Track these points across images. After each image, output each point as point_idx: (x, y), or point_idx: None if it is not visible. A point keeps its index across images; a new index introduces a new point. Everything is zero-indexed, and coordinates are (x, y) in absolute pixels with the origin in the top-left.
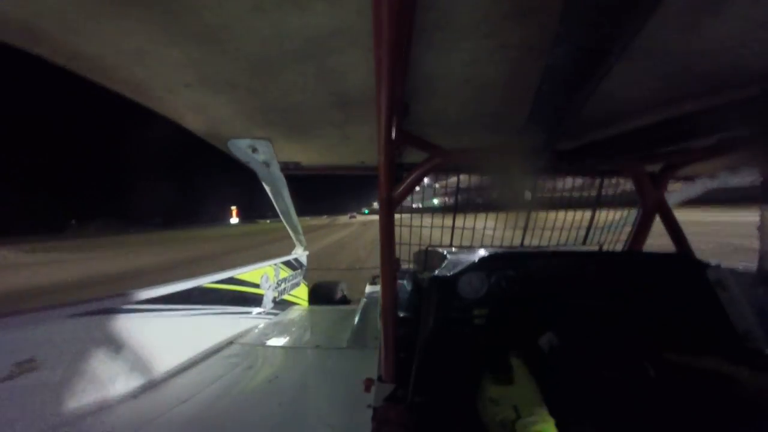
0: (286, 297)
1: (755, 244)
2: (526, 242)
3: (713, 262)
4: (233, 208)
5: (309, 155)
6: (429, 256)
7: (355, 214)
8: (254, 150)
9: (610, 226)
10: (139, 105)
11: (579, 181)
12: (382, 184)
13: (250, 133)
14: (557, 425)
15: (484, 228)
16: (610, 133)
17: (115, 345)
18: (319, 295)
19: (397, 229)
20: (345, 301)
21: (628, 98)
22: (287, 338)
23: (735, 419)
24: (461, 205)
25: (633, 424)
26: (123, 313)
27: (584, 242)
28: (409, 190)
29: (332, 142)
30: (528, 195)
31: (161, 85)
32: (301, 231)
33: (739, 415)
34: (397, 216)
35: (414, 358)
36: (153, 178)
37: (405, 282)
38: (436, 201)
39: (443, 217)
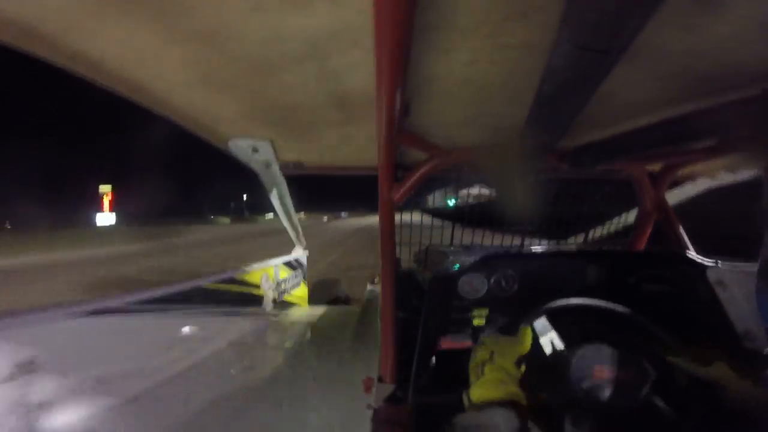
0: (286, 297)
1: None
2: (526, 242)
3: (713, 261)
4: (104, 190)
5: (309, 155)
6: (429, 256)
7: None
8: (255, 150)
9: (611, 226)
10: None
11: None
12: (382, 184)
13: (250, 133)
14: (538, 407)
15: (485, 228)
16: (610, 133)
17: (115, 345)
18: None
19: (397, 229)
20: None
21: (628, 98)
22: (287, 338)
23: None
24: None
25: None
26: (123, 313)
27: (584, 242)
28: (409, 190)
29: (332, 142)
30: (528, 195)
31: (161, 85)
32: (300, 231)
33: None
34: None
35: (414, 358)
36: None
37: (405, 282)
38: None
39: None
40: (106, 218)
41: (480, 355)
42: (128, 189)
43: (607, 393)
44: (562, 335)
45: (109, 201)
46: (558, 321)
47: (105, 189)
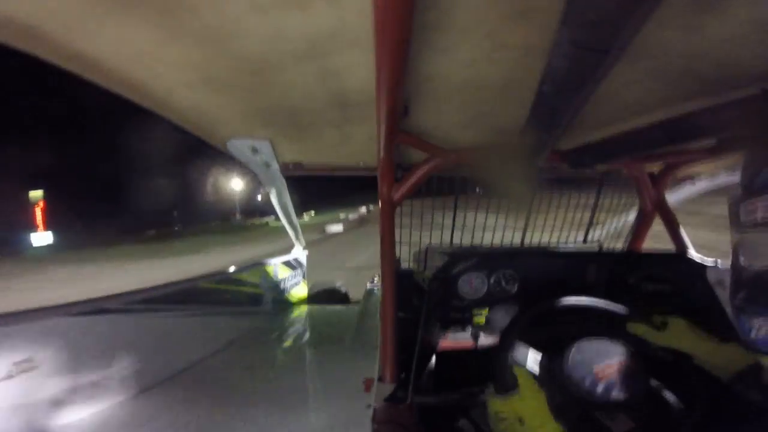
0: (285, 296)
1: None
2: (526, 242)
3: (713, 261)
4: (35, 198)
5: (309, 156)
6: (429, 256)
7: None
8: (254, 151)
9: (611, 226)
10: None
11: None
12: (382, 184)
13: (250, 133)
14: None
15: (484, 227)
16: (610, 133)
17: (115, 345)
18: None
19: (397, 229)
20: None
21: (628, 98)
22: (287, 338)
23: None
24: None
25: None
26: (123, 313)
27: (584, 242)
28: (410, 190)
29: (332, 142)
30: (528, 195)
31: (161, 85)
32: (300, 231)
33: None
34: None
35: (414, 358)
36: None
37: (405, 282)
38: None
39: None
40: (39, 237)
41: (511, 427)
42: (77, 196)
43: (607, 389)
44: (560, 334)
45: (42, 213)
46: (556, 320)
47: (35, 196)
